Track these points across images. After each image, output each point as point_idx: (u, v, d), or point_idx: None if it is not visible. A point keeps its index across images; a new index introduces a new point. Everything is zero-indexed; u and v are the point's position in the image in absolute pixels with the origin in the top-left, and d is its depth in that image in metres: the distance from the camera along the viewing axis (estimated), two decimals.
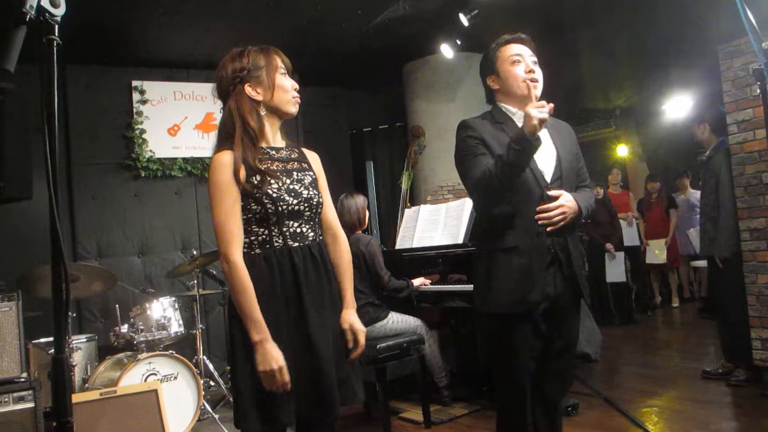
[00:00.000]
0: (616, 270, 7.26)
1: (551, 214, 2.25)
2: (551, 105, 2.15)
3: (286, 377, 1.83)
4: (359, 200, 4.24)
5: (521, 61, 2.36)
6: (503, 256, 2.31)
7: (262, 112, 2.01)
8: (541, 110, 2.11)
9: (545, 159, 2.35)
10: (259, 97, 2.00)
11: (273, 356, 1.82)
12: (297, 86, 2.07)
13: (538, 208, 2.26)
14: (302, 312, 1.93)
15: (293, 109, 2.06)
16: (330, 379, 1.92)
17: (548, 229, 2.26)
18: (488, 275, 2.35)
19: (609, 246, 7.18)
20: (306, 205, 2.00)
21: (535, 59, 2.39)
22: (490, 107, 2.52)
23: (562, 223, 2.27)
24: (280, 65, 2.04)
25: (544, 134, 2.33)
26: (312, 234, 2.04)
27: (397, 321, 4.11)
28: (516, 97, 2.38)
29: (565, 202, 2.28)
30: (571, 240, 2.35)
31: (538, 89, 2.32)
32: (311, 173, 2.09)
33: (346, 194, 4.27)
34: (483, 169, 2.25)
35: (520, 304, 2.27)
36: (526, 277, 2.27)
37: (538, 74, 2.36)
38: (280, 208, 1.93)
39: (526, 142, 2.13)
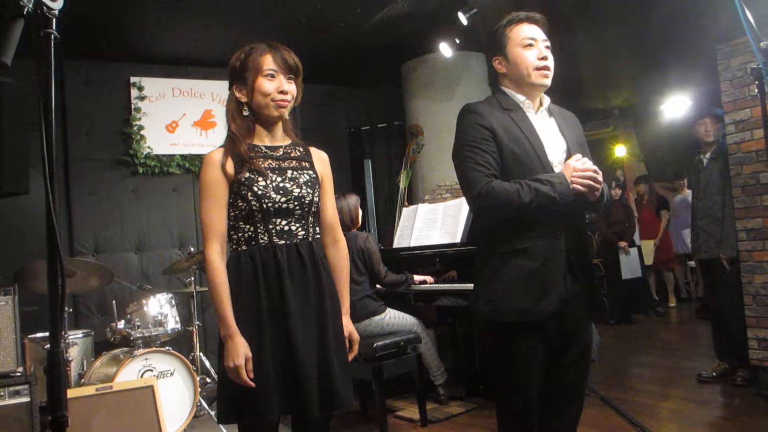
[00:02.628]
0: (631, 266, 7.32)
1: (588, 173, 2.01)
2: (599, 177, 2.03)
3: (244, 375, 1.83)
4: (351, 200, 4.26)
5: (534, 45, 2.13)
6: (511, 259, 2.08)
7: (245, 113, 2.02)
8: (585, 175, 2.00)
9: (554, 149, 2.15)
10: (243, 99, 2.02)
11: (235, 353, 1.84)
12: (285, 89, 1.99)
13: (577, 165, 2.03)
14: (284, 310, 1.93)
15: (275, 112, 2.01)
16: (308, 379, 1.90)
17: (574, 185, 2.00)
18: (493, 280, 2.12)
19: (622, 243, 7.23)
20: (297, 203, 2.00)
21: (549, 44, 2.17)
22: (493, 92, 2.30)
23: (588, 189, 2.02)
24: (267, 67, 1.98)
25: (551, 123, 2.23)
26: (302, 233, 2.03)
27: (394, 317, 4.12)
28: (524, 86, 2.17)
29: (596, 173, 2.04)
30: (585, 239, 2.18)
31: (549, 78, 2.15)
32: (311, 172, 2.08)
33: (339, 195, 4.27)
34: (508, 190, 2.02)
35: (529, 312, 2.04)
36: (537, 282, 2.04)
37: (551, 61, 2.16)
38: (265, 206, 1.94)
39: (568, 199, 2.01)
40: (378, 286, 4.23)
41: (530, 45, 2.13)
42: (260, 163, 1.99)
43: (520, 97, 2.20)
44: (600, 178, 2.03)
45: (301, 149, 2.12)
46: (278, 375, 1.90)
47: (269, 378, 1.88)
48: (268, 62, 1.99)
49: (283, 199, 1.97)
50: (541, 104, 2.25)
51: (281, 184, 1.98)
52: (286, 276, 1.95)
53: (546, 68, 2.13)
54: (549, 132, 2.20)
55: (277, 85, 1.99)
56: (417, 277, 4.27)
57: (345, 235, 4.09)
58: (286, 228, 2.00)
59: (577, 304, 2.13)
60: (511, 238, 2.09)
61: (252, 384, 1.84)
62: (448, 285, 4.19)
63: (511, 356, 2.14)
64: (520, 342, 2.10)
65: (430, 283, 4.32)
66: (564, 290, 2.07)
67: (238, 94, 2.02)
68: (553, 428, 2.25)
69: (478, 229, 2.37)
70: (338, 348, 2.03)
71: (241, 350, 1.84)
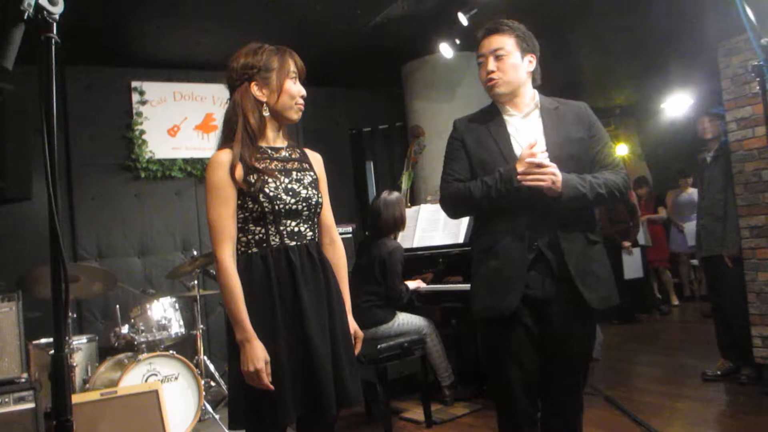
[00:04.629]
0: (633, 266, 7.31)
1: (540, 172, 2.04)
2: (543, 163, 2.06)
3: (265, 379, 1.82)
4: (397, 197, 4.27)
5: (483, 62, 2.27)
6: (482, 258, 2.23)
7: (265, 113, 2.01)
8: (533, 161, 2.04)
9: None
10: (264, 98, 2.01)
11: (254, 357, 1.82)
12: (304, 93, 2.06)
13: (527, 160, 2.06)
14: (300, 311, 1.93)
15: (295, 116, 2.05)
16: (327, 378, 1.91)
17: (523, 183, 2.05)
18: (472, 278, 2.29)
19: (626, 244, 7.21)
20: (304, 204, 2.01)
21: (502, 52, 2.22)
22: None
23: (533, 183, 2.05)
24: (292, 70, 2.03)
25: (536, 124, 2.26)
26: (310, 233, 2.05)
27: (402, 323, 4.11)
28: (491, 96, 2.33)
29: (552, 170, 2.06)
30: (566, 237, 2.13)
31: (501, 88, 2.23)
32: (312, 173, 2.09)
33: (388, 191, 4.31)
34: (461, 188, 2.21)
35: (490, 310, 2.16)
36: (499, 280, 2.14)
37: (502, 70, 2.22)
38: (276, 207, 1.94)
39: (513, 189, 2.08)
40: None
41: (481, 63, 2.30)
42: (268, 164, 1.99)
43: (499, 105, 2.34)
44: (545, 169, 2.04)
45: (299, 150, 2.14)
46: (295, 376, 1.90)
47: (286, 380, 1.87)
48: (292, 65, 2.03)
49: (293, 201, 1.97)
50: (533, 105, 2.29)
51: (289, 186, 1.99)
52: (299, 277, 1.95)
53: (490, 81, 2.25)
54: (528, 133, 2.24)
55: (299, 89, 2.04)
56: (411, 284, 4.26)
57: (375, 242, 4.11)
58: (296, 229, 2.00)
59: (562, 304, 2.16)
60: (482, 238, 2.25)
61: (272, 387, 1.83)
62: (450, 286, 4.19)
63: (488, 351, 2.31)
64: (493, 337, 2.23)
65: (425, 284, 4.32)
66: (536, 291, 2.13)
67: (258, 93, 2.00)
68: (556, 428, 2.26)
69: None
70: (347, 346, 2.05)
71: (260, 353, 1.83)
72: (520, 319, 2.14)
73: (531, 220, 2.13)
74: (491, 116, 2.31)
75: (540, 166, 2.05)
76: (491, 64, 2.23)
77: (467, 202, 2.22)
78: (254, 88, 2.00)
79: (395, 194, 4.30)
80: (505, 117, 2.28)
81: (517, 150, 2.18)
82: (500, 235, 2.17)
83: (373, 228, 4.25)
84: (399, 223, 4.22)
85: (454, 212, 2.42)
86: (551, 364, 2.21)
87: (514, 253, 2.14)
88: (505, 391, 2.21)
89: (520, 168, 2.07)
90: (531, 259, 2.13)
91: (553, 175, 2.05)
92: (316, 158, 2.18)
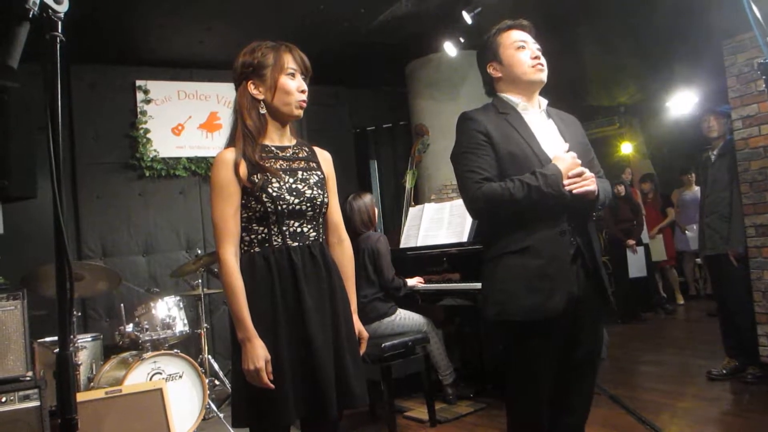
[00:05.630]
0: (638, 264, 7.30)
1: (584, 179, 2.06)
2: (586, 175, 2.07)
3: (265, 378, 1.81)
4: (366, 199, 4.26)
5: (526, 47, 2.20)
6: (515, 258, 2.08)
7: (262, 111, 1.99)
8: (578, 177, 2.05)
9: (554, 147, 2.15)
10: (261, 96, 1.98)
11: (255, 356, 1.81)
12: (304, 88, 2.01)
13: (568, 161, 2.07)
14: (301, 311, 1.92)
15: (295, 112, 2.01)
16: (328, 378, 1.90)
17: (573, 190, 2.04)
18: (498, 280, 2.12)
19: (630, 242, 7.20)
20: (309, 204, 1.99)
21: (539, 47, 2.24)
22: (491, 100, 2.32)
23: (582, 189, 2.05)
24: (289, 66, 1.99)
25: (550, 124, 2.25)
26: (314, 234, 2.03)
27: (404, 318, 4.12)
28: (521, 85, 2.21)
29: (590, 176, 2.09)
30: (592, 236, 2.16)
31: (544, 75, 2.19)
32: (318, 173, 2.07)
33: (354, 195, 4.28)
34: (498, 190, 2.06)
35: (537, 311, 2.03)
36: (543, 280, 2.03)
37: (543, 62, 2.22)
38: (279, 207, 1.92)
39: (559, 193, 2.03)
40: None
41: (522, 47, 2.22)
42: (273, 163, 1.97)
43: (515, 100, 2.24)
44: (587, 175, 2.08)
45: (307, 149, 2.11)
46: (296, 376, 1.89)
47: (287, 380, 1.87)
48: (290, 61, 1.99)
49: (297, 201, 1.96)
50: (539, 106, 2.28)
51: (293, 186, 1.97)
52: (301, 277, 1.93)
53: (540, 64, 2.19)
54: (547, 131, 2.22)
55: (298, 85, 2.00)
56: (409, 281, 4.26)
57: (360, 236, 4.14)
58: (299, 230, 1.98)
59: (589, 302, 2.13)
60: (515, 237, 2.10)
61: (272, 386, 1.83)
62: (453, 285, 4.18)
63: (522, 356, 2.15)
64: (531, 341, 2.10)
65: (424, 283, 4.33)
66: (575, 287, 2.07)
67: (254, 91, 1.98)
68: (561, 426, 2.24)
69: (482, 230, 2.39)
70: (351, 347, 2.03)
71: (260, 352, 1.82)
72: (557, 322, 2.06)
73: (570, 218, 2.10)
74: (507, 111, 2.22)
75: (581, 173, 2.07)
76: (537, 52, 2.21)
77: (507, 205, 2.06)
78: (250, 87, 1.98)
79: (365, 198, 4.27)
80: (521, 112, 2.23)
81: (545, 147, 2.15)
82: (540, 233, 2.08)
83: (350, 230, 4.26)
84: (369, 225, 4.23)
85: (486, 213, 2.20)
86: (567, 363, 2.17)
87: (556, 251, 2.07)
88: (533, 408, 2.14)
89: (567, 177, 2.05)
90: (571, 256, 2.09)
91: (593, 181, 2.08)
92: (324, 156, 2.15)
